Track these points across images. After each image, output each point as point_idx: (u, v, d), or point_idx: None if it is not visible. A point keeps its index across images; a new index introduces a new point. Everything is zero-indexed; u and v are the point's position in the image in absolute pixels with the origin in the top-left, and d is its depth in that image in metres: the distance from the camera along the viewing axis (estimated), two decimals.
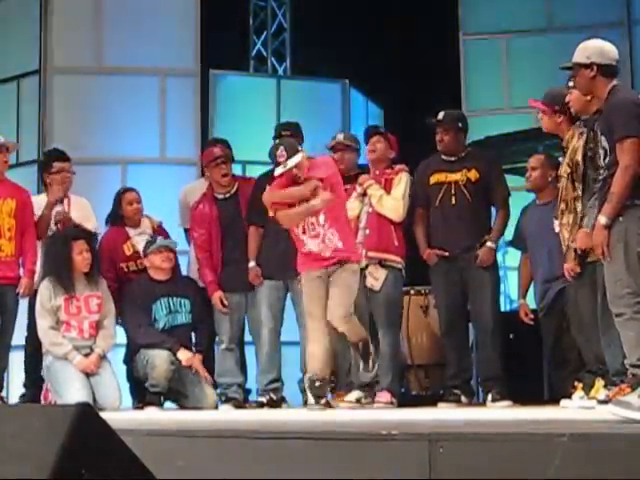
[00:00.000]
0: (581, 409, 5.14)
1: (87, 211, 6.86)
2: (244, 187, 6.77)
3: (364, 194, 6.34)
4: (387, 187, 6.33)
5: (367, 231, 6.27)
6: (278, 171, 5.72)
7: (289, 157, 5.69)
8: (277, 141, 5.98)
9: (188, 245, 7.15)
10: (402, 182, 6.33)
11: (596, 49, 4.67)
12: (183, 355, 6.43)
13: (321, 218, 5.72)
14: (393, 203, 6.27)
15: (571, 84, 5.09)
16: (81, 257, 6.36)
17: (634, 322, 4.39)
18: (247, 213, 6.65)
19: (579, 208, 5.30)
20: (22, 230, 6.56)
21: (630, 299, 4.42)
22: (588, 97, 4.84)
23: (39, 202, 6.77)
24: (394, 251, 6.25)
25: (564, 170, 5.40)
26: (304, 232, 5.75)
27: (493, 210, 6.53)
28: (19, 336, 6.72)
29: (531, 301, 6.50)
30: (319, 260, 5.74)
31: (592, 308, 5.35)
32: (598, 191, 4.82)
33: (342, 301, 5.66)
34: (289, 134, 6.64)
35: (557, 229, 5.62)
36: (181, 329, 6.63)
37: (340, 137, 6.65)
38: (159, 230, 7.04)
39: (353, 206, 6.29)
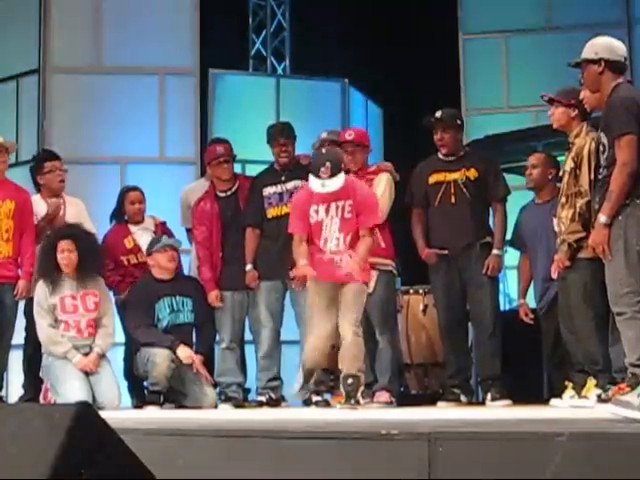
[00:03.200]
0: (578, 408, 5.14)
1: (81, 213, 6.84)
2: (245, 185, 6.78)
3: None
4: None
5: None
6: (316, 188, 5.50)
7: (332, 175, 5.48)
8: (324, 150, 5.68)
9: (190, 244, 7.16)
10: (381, 183, 6.26)
11: (605, 45, 4.68)
12: (182, 352, 6.42)
13: (348, 238, 5.61)
14: None
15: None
16: (62, 256, 6.34)
17: (634, 321, 4.40)
18: (243, 215, 6.65)
19: (579, 204, 5.30)
20: (21, 231, 6.55)
21: (630, 298, 4.42)
22: (597, 94, 4.83)
23: (34, 202, 6.75)
24: (381, 253, 6.19)
25: (568, 165, 5.40)
26: (325, 244, 5.64)
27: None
28: (19, 336, 6.73)
29: (531, 300, 6.50)
30: (328, 273, 5.61)
31: (582, 306, 5.35)
32: (597, 190, 4.81)
33: (353, 307, 5.55)
34: (282, 137, 6.64)
35: (556, 228, 5.63)
36: (183, 328, 6.64)
37: (324, 135, 6.66)
38: (162, 228, 7.06)
39: None
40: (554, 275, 5.58)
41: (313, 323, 5.68)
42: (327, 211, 5.62)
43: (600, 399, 5.06)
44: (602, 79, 4.66)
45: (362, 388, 5.58)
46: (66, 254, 6.34)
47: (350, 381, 5.49)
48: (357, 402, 5.50)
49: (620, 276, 4.44)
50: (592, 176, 5.20)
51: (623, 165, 4.47)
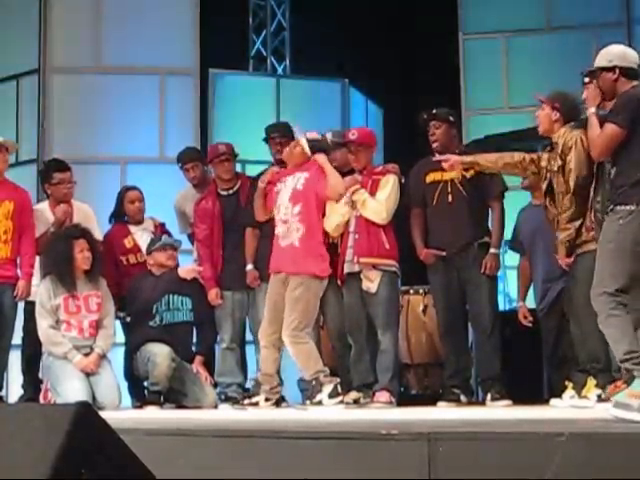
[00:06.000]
0: (577, 408, 5.14)
1: (90, 220, 6.84)
2: (246, 184, 6.80)
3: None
4: (373, 188, 6.27)
5: (356, 235, 6.24)
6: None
7: None
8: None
9: (192, 244, 7.18)
10: (388, 184, 6.26)
11: (618, 53, 4.72)
12: (182, 271, 6.58)
13: (296, 208, 5.80)
14: (376, 206, 6.20)
15: (587, 80, 5.09)
16: (82, 255, 6.36)
17: (613, 318, 4.41)
18: (243, 215, 6.66)
19: (567, 204, 5.34)
20: (20, 232, 6.54)
21: (605, 298, 4.42)
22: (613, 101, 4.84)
23: (40, 211, 6.76)
24: (385, 254, 6.21)
25: (556, 164, 5.42)
26: (276, 205, 5.90)
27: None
28: (19, 336, 6.72)
29: (531, 301, 6.50)
30: (275, 256, 5.87)
31: (586, 302, 5.34)
32: (600, 187, 4.80)
33: (287, 317, 5.72)
34: (278, 135, 6.66)
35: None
36: (182, 327, 6.66)
37: (328, 136, 6.66)
38: (161, 229, 7.07)
39: (343, 211, 6.25)
40: (566, 267, 5.55)
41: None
42: None
43: (599, 399, 5.07)
44: (617, 86, 4.68)
45: (329, 387, 5.61)
46: (86, 253, 6.35)
47: (311, 384, 5.67)
48: (319, 403, 5.53)
49: (603, 276, 4.44)
50: (585, 172, 5.23)
51: (597, 137, 4.54)
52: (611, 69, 4.68)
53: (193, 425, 4.02)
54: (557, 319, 6.05)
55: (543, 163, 5.58)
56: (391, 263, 6.24)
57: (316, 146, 5.94)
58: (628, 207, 4.42)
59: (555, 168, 5.43)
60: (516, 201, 6.64)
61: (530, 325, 6.34)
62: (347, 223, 6.28)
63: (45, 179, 6.91)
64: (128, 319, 6.80)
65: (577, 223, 5.34)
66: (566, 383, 5.57)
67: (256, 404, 5.89)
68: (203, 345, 6.76)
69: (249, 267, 6.58)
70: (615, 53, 4.73)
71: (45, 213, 6.77)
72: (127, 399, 6.75)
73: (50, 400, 6.33)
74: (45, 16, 8.51)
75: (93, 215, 6.95)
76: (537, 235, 6.14)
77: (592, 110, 4.73)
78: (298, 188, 5.89)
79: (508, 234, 6.65)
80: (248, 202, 6.64)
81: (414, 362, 7.23)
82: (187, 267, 6.77)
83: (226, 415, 5.79)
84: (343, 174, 6.42)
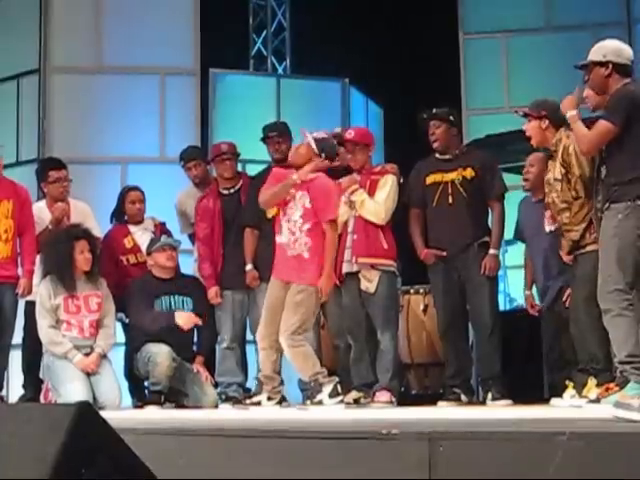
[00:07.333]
0: (576, 408, 5.14)
1: (88, 218, 6.84)
2: (247, 184, 6.80)
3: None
4: (372, 188, 6.26)
5: (355, 236, 6.23)
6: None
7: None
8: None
9: (192, 244, 7.17)
10: (387, 185, 6.26)
11: (612, 48, 4.70)
12: (181, 319, 6.48)
13: (306, 226, 5.62)
14: (374, 206, 6.19)
15: (587, 78, 5.09)
16: (82, 257, 6.36)
17: (622, 318, 4.40)
18: (242, 215, 6.66)
19: (576, 209, 5.33)
20: (21, 230, 6.54)
21: (617, 295, 4.42)
22: (603, 96, 4.82)
23: (38, 210, 6.76)
24: (384, 255, 6.21)
25: (558, 172, 5.39)
26: (284, 215, 5.69)
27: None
28: (20, 336, 6.72)
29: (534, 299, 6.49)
30: (281, 264, 5.69)
31: (587, 301, 5.34)
32: (600, 188, 4.80)
33: (286, 320, 5.60)
34: (276, 134, 6.67)
35: (547, 229, 5.65)
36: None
37: (337, 130, 6.66)
38: (161, 228, 7.07)
39: (341, 211, 6.24)
40: (568, 262, 5.54)
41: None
42: None
43: (589, 400, 5.06)
44: (609, 82, 4.67)
45: (329, 387, 5.55)
46: (86, 255, 6.35)
47: (310, 385, 5.61)
48: (320, 402, 5.51)
49: (610, 273, 4.44)
50: (587, 172, 5.22)
51: (586, 134, 4.53)
52: (604, 64, 4.67)
53: (193, 425, 4.02)
54: (556, 318, 6.04)
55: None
56: (389, 263, 6.24)
57: (323, 146, 5.73)
58: (624, 204, 4.41)
59: (559, 177, 5.40)
60: (516, 201, 6.64)
61: (537, 314, 6.31)
62: (346, 223, 6.28)
63: (41, 178, 6.91)
64: (127, 321, 6.79)
65: (585, 225, 5.34)
66: (567, 383, 5.58)
67: (258, 403, 5.88)
68: (204, 345, 6.76)
69: (248, 267, 6.57)
70: (610, 48, 4.71)
71: (43, 212, 6.77)
72: (128, 399, 6.76)
73: (51, 400, 6.33)
74: (45, 16, 8.53)
75: (91, 212, 6.95)
76: (537, 234, 6.13)
77: (572, 113, 4.73)
78: (307, 207, 5.66)
79: (508, 234, 6.65)
80: (248, 201, 6.65)
81: (414, 362, 7.23)
82: (185, 315, 6.57)
83: (226, 415, 5.79)
84: (342, 174, 6.42)
